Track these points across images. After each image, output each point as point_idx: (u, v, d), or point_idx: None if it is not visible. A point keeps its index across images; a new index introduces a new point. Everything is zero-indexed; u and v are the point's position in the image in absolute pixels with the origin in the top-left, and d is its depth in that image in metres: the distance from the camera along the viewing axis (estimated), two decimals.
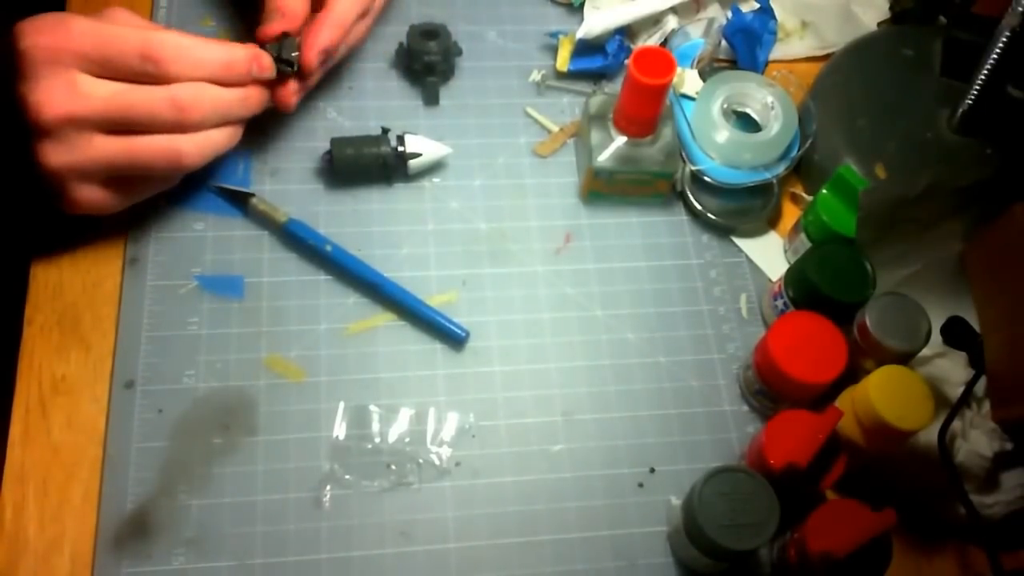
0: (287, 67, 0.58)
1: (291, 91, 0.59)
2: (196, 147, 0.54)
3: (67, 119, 0.49)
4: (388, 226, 0.63)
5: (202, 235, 0.61)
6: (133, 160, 0.52)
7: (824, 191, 0.62)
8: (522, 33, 0.73)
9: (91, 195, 0.53)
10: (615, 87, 0.70)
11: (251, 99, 0.57)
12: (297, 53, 0.58)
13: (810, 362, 0.55)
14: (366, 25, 0.64)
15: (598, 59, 0.70)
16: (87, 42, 0.49)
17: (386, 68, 0.70)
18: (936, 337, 0.57)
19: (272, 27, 0.58)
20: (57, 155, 0.50)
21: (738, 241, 0.66)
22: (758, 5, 0.70)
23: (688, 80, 0.68)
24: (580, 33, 0.69)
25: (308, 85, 0.61)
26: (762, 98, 0.66)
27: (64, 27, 0.49)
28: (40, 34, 0.48)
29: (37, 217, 0.55)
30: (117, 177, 0.54)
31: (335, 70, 0.67)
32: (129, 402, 0.55)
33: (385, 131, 0.64)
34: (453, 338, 0.59)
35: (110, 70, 0.50)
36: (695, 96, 0.67)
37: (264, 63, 0.56)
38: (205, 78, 0.53)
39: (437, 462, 0.56)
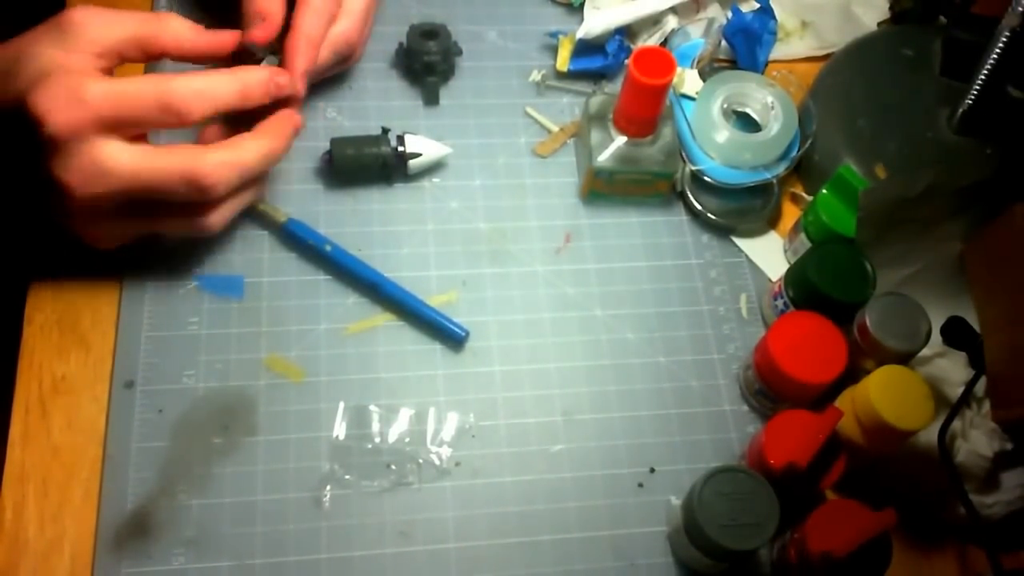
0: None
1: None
2: (220, 218, 0.56)
3: (95, 198, 0.50)
4: (388, 226, 0.63)
5: None
6: (155, 227, 0.56)
7: (824, 191, 0.62)
8: (522, 33, 0.73)
9: (120, 243, 0.56)
10: (615, 87, 0.70)
11: (275, 153, 0.56)
12: (275, 51, 0.58)
13: (810, 362, 0.55)
14: (357, 34, 0.63)
15: (598, 59, 0.70)
16: (104, 108, 0.49)
17: (386, 68, 0.70)
18: (936, 337, 0.57)
19: (255, 33, 0.57)
20: (90, 224, 0.53)
21: (738, 241, 0.66)
22: (758, 5, 0.70)
23: (688, 80, 0.68)
24: (580, 33, 0.69)
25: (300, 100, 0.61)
26: (762, 98, 0.66)
27: (78, 97, 0.48)
28: (59, 112, 0.48)
29: (39, 221, 0.56)
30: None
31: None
32: (129, 402, 0.55)
33: (385, 131, 0.64)
34: (453, 338, 0.59)
35: (132, 128, 0.51)
36: (695, 96, 0.67)
37: (281, 82, 0.56)
38: (225, 111, 0.53)
39: (437, 462, 0.56)
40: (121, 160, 0.50)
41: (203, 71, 0.54)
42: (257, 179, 0.57)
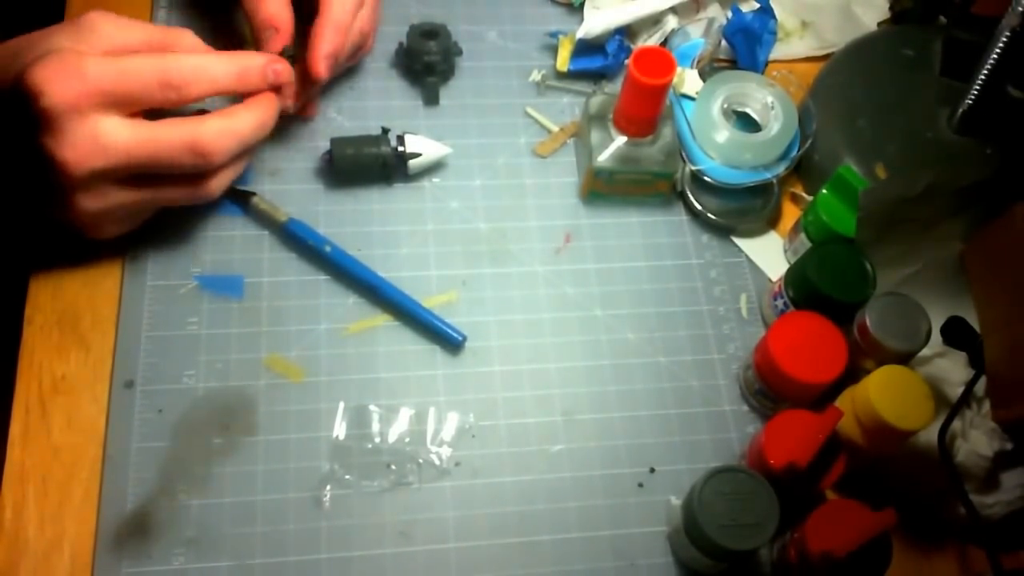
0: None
1: (311, 103, 0.63)
2: (219, 184, 0.56)
3: (93, 174, 0.50)
4: (388, 226, 0.63)
5: (202, 235, 0.61)
6: (161, 202, 0.56)
7: (824, 191, 0.62)
8: (522, 33, 0.73)
9: (119, 229, 0.57)
10: (615, 87, 0.70)
11: (266, 123, 0.57)
12: (292, 53, 0.59)
13: (810, 362, 0.55)
14: (370, 23, 0.64)
15: (598, 59, 0.70)
16: (105, 82, 0.49)
17: (386, 68, 0.70)
18: (936, 337, 0.57)
19: (273, 46, 0.58)
20: (89, 203, 0.52)
21: (738, 241, 0.66)
22: (758, 5, 0.70)
23: (688, 80, 0.68)
24: (580, 33, 0.69)
25: (318, 91, 0.64)
26: (762, 98, 0.66)
27: (78, 71, 0.48)
28: (56, 83, 0.47)
29: (38, 220, 0.56)
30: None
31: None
32: (129, 402, 0.55)
33: (385, 131, 0.64)
34: (450, 342, 0.59)
35: (132, 104, 0.50)
36: (695, 96, 0.67)
37: (279, 69, 0.56)
38: (223, 92, 0.54)
39: (437, 462, 0.56)
40: (120, 135, 0.50)
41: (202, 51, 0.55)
42: (250, 148, 0.57)
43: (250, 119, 0.55)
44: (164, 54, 0.52)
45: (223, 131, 0.53)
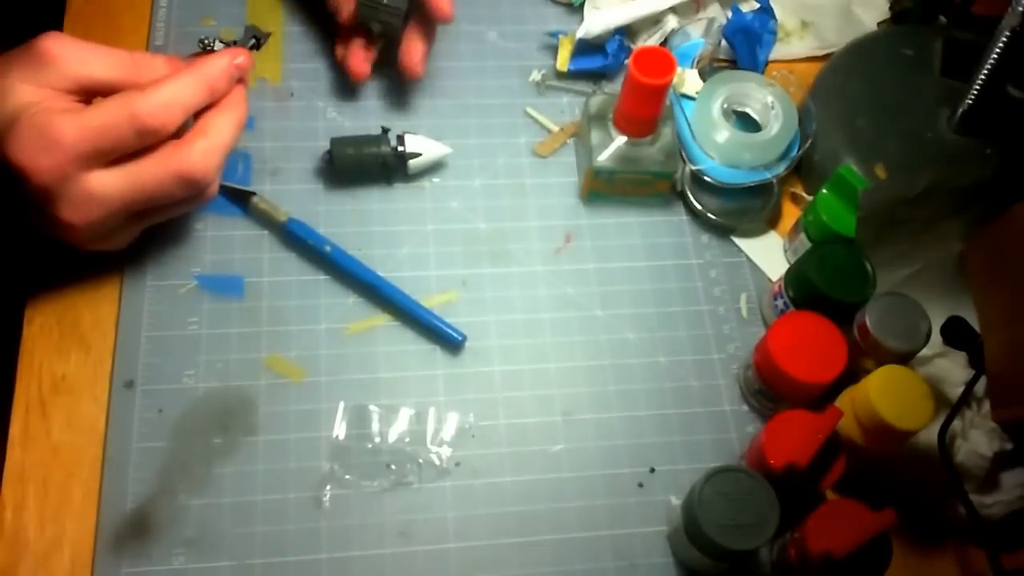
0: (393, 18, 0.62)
1: (363, 59, 0.65)
2: (215, 189, 0.56)
3: (95, 224, 0.51)
4: (388, 226, 0.63)
5: (202, 235, 0.61)
6: (165, 218, 0.56)
7: (824, 191, 0.62)
8: (522, 33, 0.73)
9: (124, 243, 0.57)
10: (615, 87, 0.70)
11: (243, 118, 0.55)
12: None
13: (810, 362, 0.55)
14: None
15: (598, 59, 0.70)
16: (81, 144, 0.48)
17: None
18: (936, 337, 0.57)
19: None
20: (96, 240, 0.53)
21: (738, 241, 0.66)
22: (758, 5, 0.70)
23: (688, 80, 0.68)
24: (580, 33, 0.69)
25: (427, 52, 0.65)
26: (762, 98, 0.66)
27: (55, 141, 0.48)
28: (38, 162, 0.48)
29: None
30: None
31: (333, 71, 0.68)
32: (129, 402, 0.55)
33: (385, 131, 0.64)
34: (450, 342, 0.59)
35: (114, 155, 0.50)
36: (695, 96, 0.67)
37: (241, 63, 0.55)
38: (195, 111, 0.53)
39: (437, 462, 0.56)
40: (111, 186, 0.50)
41: (165, 76, 0.52)
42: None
43: (229, 124, 0.54)
44: (133, 96, 0.50)
45: (208, 151, 0.52)
